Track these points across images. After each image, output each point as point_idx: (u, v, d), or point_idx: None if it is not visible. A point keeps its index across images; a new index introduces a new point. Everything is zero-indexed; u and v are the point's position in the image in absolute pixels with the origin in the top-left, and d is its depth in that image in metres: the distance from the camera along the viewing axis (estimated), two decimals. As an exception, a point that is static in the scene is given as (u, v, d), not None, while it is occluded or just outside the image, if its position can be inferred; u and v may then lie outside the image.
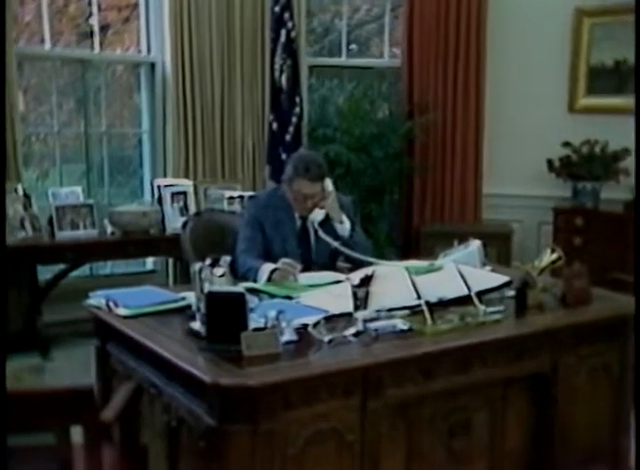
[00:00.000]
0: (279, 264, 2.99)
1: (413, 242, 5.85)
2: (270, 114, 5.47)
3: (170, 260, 5.37)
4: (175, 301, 2.65)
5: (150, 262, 5.64)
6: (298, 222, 3.34)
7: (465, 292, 2.59)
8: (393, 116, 5.89)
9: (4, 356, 2.69)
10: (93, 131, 5.38)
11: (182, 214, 4.90)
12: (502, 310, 2.60)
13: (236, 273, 3.02)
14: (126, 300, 2.63)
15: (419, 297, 2.51)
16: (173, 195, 5.05)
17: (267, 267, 3.04)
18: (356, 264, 3.07)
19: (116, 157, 5.64)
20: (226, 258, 2.43)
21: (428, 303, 2.49)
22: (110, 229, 4.83)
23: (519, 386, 2.61)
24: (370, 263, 2.92)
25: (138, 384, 2.37)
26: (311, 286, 2.93)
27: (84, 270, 5.26)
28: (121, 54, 5.66)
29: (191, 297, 2.53)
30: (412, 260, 3.18)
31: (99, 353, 2.73)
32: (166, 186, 5.07)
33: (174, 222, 4.84)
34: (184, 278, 4.43)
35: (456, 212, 5.89)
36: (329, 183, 3.30)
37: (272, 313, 2.22)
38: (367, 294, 2.52)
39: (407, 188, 5.98)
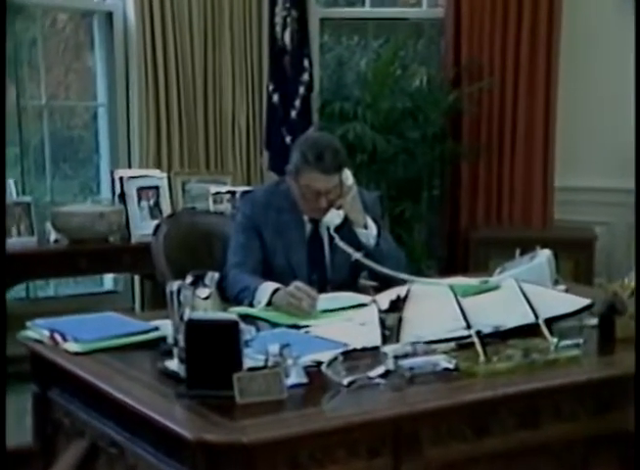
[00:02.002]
0: (290, 288, 3.00)
1: (460, 252, 5.88)
2: (270, 82, 5.51)
3: (137, 278, 5.40)
4: (145, 331, 2.67)
5: (109, 281, 5.68)
6: (308, 227, 3.37)
7: (530, 319, 2.61)
8: (433, 84, 5.92)
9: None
10: (28, 103, 5.34)
11: (153, 216, 4.94)
12: (580, 344, 2.61)
13: (226, 294, 3.05)
14: (78, 331, 2.65)
15: (468, 325, 2.53)
16: (141, 190, 5.07)
17: (268, 287, 3.07)
18: (385, 282, 3.09)
19: (62, 138, 5.67)
20: (213, 275, 2.46)
21: (479, 333, 2.51)
22: (53, 236, 4.86)
23: (605, 446, 2.60)
24: (403, 281, 2.94)
25: (92, 442, 2.38)
26: (325, 311, 2.96)
27: (19, 291, 5.28)
28: (65, -3, 5.67)
29: (166, 326, 2.56)
30: (459, 277, 3.22)
31: (38, 402, 2.74)
32: (131, 178, 5.09)
33: (142, 227, 4.87)
34: (156, 301, 4.46)
35: (518, 212, 5.91)
36: (348, 175, 3.32)
37: (274, 348, 2.24)
38: (399, 321, 2.55)
39: (452, 180, 6.01)
